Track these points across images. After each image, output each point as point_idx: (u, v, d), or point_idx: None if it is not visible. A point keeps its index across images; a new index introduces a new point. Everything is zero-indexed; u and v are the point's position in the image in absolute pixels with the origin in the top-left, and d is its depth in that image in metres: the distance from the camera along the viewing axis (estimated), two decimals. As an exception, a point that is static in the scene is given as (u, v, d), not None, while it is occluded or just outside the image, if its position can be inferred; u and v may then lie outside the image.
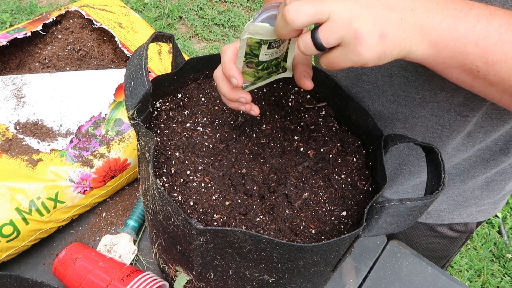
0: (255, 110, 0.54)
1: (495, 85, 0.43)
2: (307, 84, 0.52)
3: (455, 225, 0.79)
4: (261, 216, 0.52)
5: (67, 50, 0.85)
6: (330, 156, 0.59)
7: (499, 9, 0.41)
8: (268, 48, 0.47)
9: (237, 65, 0.48)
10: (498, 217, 1.85)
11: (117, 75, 0.80)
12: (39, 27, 0.83)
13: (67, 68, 0.83)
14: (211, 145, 0.58)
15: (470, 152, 0.65)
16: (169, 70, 0.81)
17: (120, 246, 0.72)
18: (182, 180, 0.53)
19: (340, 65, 0.41)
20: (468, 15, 0.40)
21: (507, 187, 0.72)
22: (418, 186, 0.74)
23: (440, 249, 0.85)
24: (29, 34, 0.81)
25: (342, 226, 0.53)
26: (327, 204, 0.54)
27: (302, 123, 0.63)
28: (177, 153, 0.56)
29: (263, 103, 0.64)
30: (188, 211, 0.50)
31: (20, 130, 0.70)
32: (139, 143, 0.53)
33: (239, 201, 0.53)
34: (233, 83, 0.48)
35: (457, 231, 0.80)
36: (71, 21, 0.88)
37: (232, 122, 0.61)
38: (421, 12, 0.40)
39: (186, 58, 0.63)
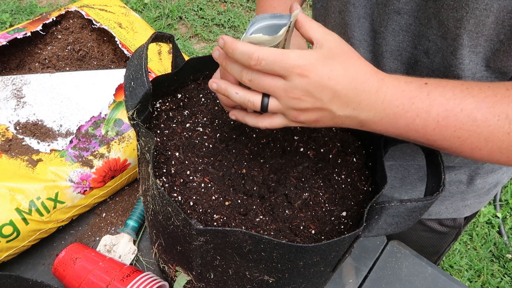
0: None
1: (445, 150, 0.49)
2: None
3: (444, 220, 0.80)
4: (261, 216, 0.52)
5: (67, 50, 0.85)
6: (330, 156, 0.59)
7: (440, 94, 0.44)
8: None
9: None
10: (498, 217, 1.85)
11: (117, 75, 0.80)
12: (39, 27, 0.83)
13: (67, 68, 0.83)
14: (211, 145, 0.58)
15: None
16: (169, 70, 0.81)
17: (120, 246, 0.72)
18: (182, 180, 0.53)
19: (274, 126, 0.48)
20: (409, 111, 0.45)
21: (489, 180, 0.74)
22: None
23: (431, 244, 0.86)
24: (29, 34, 0.81)
25: (342, 226, 0.53)
26: (327, 204, 0.54)
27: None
28: (177, 153, 0.56)
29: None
30: (188, 211, 0.50)
31: (20, 130, 0.70)
32: (139, 143, 0.53)
33: (239, 201, 0.53)
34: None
35: (446, 226, 0.82)
36: (71, 21, 0.88)
37: (232, 122, 0.61)
38: (364, 111, 0.45)
39: (186, 58, 0.63)
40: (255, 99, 0.46)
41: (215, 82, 0.48)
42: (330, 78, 0.42)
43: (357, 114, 0.45)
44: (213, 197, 0.52)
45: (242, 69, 0.44)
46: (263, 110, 0.46)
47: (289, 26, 0.45)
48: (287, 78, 0.43)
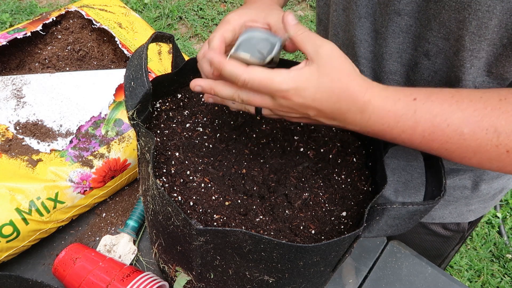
0: None
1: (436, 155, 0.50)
2: None
3: (447, 224, 0.80)
4: (261, 216, 0.52)
5: (67, 50, 0.85)
6: (330, 156, 0.59)
7: (427, 111, 0.45)
8: None
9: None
10: (498, 217, 1.85)
11: (117, 75, 0.80)
12: (39, 27, 0.83)
13: (67, 68, 0.83)
14: (211, 145, 0.58)
15: None
16: (169, 70, 0.81)
17: (120, 246, 0.72)
18: (182, 180, 0.53)
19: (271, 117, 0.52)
20: (394, 128, 0.46)
21: (494, 185, 0.73)
22: None
23: (434, 248, 0.85)
24: (29, 34, 0.81)
25: (342, 227, 0.53)
26: (327, 204, 0.54)
27: (302, 123, 0.63)
28: (177, 153, 0.56)
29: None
30: (188, 212, 0.50)
31: (20, 131, 0.70)
32: (139, 143, 0.53)
33: (239, 201, 0.53)
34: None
35: (450, 230, 0.81)
36: (71, 21, 0.88)
37: (232, 123, 0.61)
38: (350, 126, 0.47)
39: (186, 58, 0.63)
40: (250, 107, 0.51)
41: (211, 97, 0.52)
42: (314, 100, 0.45)
43: (344, 126, 0.48)
44: (213, 197, 0.52)
45: (233, 92, 0.47)
46: (258, 115, 0.51)
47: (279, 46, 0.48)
48: (273, 98, 0.46)
